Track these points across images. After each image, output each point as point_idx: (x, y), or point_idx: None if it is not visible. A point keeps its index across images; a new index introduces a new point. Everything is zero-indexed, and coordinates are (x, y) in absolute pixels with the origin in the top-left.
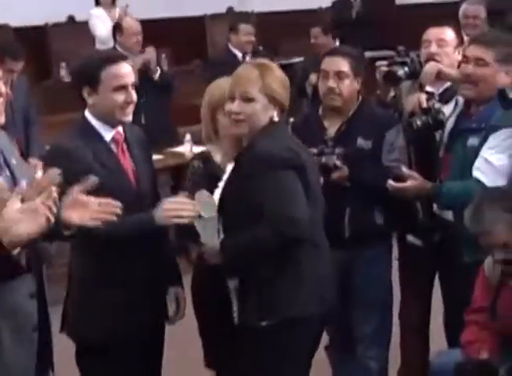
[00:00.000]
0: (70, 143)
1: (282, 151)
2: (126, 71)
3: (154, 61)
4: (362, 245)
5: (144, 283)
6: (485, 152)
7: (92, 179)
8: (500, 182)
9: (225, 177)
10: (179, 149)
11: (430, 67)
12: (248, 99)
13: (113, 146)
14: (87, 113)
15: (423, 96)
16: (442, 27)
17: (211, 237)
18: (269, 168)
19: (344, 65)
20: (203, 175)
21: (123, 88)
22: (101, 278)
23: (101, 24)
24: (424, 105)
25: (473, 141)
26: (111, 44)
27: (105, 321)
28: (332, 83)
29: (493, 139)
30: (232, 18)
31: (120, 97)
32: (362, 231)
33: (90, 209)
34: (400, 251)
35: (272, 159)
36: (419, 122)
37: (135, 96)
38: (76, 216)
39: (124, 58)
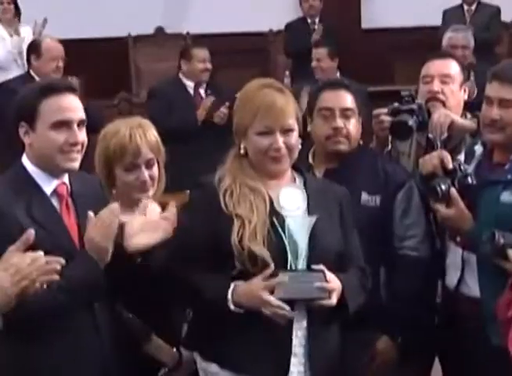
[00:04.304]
0: None
1: None
2: (71, 105)
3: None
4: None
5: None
6: None
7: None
8: None
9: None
10: None
11: (440, 118)
12: (290, 130)
13: (54, 202)
14: (24, 159)
15: (448, 155)
16: (446, 58)
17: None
18: None
19: (350, 101)
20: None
21: (64, 124)
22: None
23: None
24: (450, 166)
25: (510, 196)
26: (13, 68)
27: None
28: (340, 123)
29: None
30: (184, 42)
31: (59, 136)
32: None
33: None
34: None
35: None
36: (443, 187)
37: (81, 137)
38: None
39: (71, 89)
